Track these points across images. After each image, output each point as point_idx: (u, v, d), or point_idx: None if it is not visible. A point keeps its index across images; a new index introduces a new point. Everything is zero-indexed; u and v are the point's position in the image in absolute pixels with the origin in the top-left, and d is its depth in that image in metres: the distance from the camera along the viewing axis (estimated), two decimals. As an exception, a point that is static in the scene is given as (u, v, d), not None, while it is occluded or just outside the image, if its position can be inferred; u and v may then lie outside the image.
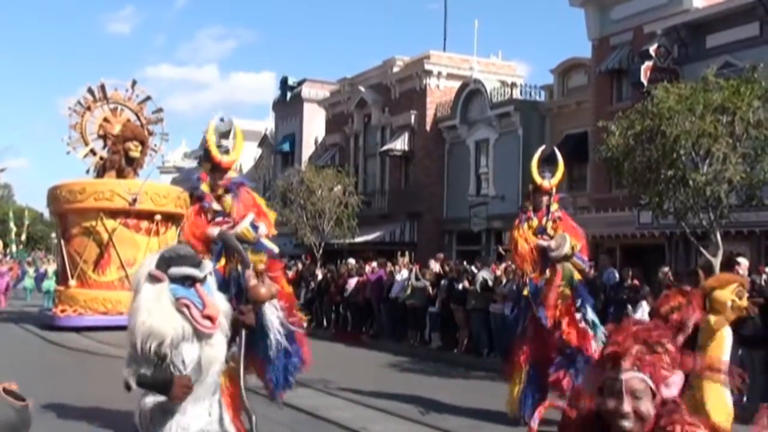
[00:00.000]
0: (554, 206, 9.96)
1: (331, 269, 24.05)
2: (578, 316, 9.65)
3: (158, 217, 21.43)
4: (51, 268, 30.86)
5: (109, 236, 21.17)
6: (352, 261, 23.26)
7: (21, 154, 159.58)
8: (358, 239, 31.62)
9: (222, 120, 57.18)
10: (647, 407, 2.23)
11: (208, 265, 4.11)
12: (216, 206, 7.48)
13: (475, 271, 17.92)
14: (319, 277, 23.61)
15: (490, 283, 16.90)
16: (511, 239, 10.09)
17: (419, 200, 32.94)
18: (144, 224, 21.48)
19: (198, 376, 3.94)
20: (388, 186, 35.69)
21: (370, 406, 11.14)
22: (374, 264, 21.96)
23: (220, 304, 4.08)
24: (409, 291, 19.18)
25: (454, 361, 16.68)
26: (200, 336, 3.90)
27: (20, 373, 13.37)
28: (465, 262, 19.25)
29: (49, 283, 28.02)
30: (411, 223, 33.59)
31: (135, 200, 20.73)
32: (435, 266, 19.65)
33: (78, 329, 19.72)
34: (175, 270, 3.92)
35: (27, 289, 34.52)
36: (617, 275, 15.72)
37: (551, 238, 9.69)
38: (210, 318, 3.89)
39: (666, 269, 15.42)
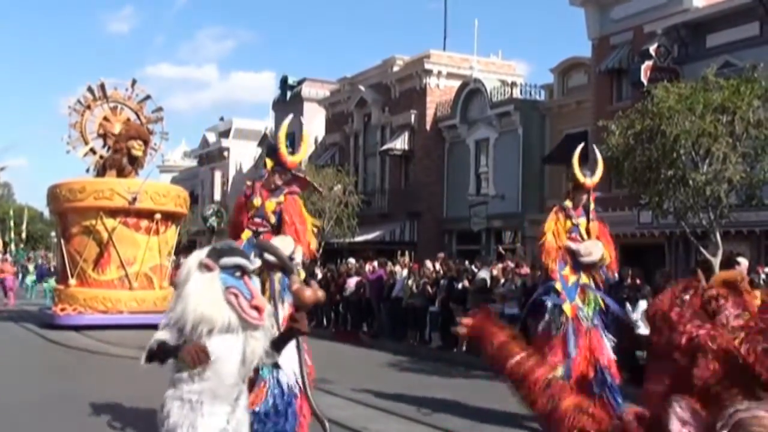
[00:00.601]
0: (592, 205, 9.62)
1: (330, 268, 24.04)
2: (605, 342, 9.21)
3: (158, 216, 21.44)
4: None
5: (109, 235, 21.17)
6: (352, 260, 23.26)
7: (21, 153, 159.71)
8: (358, 239, 31.64)
9: (221, 119, 57.29)
10: None
11: (257, 260, 4.18)
12: (257, 201, 7.44)
13: (475, 270, 17.94)
14: (319, 276, 23.61)
15: (488, 283, 16.91)
16: (541, 231, 9.54)
17: (419, 200, 32.95)
18: (144, 223, 21.48)
19: (240, 369, 3.99)
20: (388, 185, 35.70)
21: (370, 405, 11.13)
22: (374, 264, 21.95)
23: (266, 304, 4.12)
24: (408, 291, 19.20)
25: (454, 361, 16.67)
26: (245, 326, 3.93)
27: (20, 372, 13.40)
28: (467, 262, 19.22)
29: (50, 282, 28.03)
30: (411, 222, 33.61)
31: (135, 199, 20.74)
32: (432, 266, 19.61)
33: (78, 328, 19.72)
34: (227, 260, 3.97)
35: (29, 287, 34.54)
36: (617, 274, 15.70)
37: (583, 240, 9.32)
38: (257, 309, 3.92)
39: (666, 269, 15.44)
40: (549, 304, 9.20)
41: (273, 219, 7.45)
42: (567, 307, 9.02)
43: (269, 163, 7.68)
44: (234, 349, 3.96)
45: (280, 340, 4.22)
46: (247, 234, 7.39)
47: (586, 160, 25.80)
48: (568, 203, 9.53)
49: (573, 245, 9.21)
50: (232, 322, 3.89)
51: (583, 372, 8.85)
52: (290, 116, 8.49)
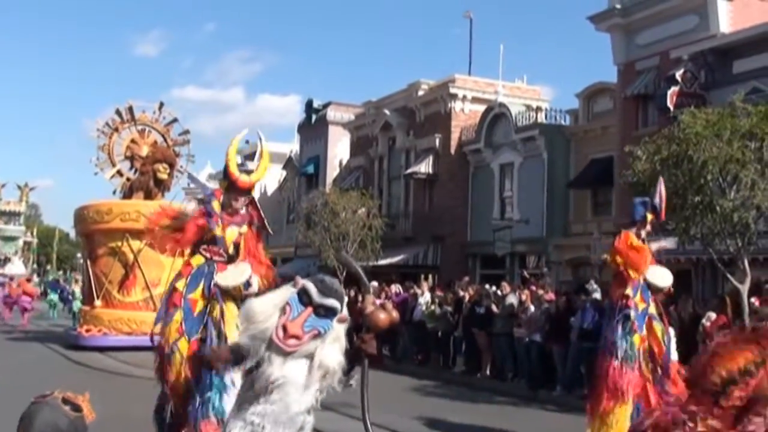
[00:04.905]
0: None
1: (353, 291, 23.99)
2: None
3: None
4: (77, 288, 31.12)
5: (135, 257, 21.28)
6: (374, 284, 23.20)
7: (48, 175, 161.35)
8: (382, 262, 31.57)
9: (247, 142, 57.59)
10: None
11: (332, 301, 4.00)
12: (218, 231, 6.99)
13: (500, 293, 17.85)
14: (343, 299, 23.56)
15: (515, 308, 16.82)
16: (630, 246, 8.92)
17: (443, 223, 32.87)
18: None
19: (303, 395, 3.92)
20: (412, 209, 35.66)
21: (393, 429, 11.06)
22: (396, 286, 21.86)
23: (327, 359, 3.96)
24: (429, 315, 19.14)
25: (478, 386, 16.56)
26: (270, 344, 3.88)
27: (43, 393, 13.46)
28: (493, 287, 19.12)
29: (76, 304, 28.24)
30: (435, 246, 33.52)
31: (161, 221, 20.82)
32: (458, 290, 19.54)
33: (102, 349, 19.81)
34: (304, 281, 3.99)
35: (53, 307, 34.72)
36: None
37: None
38: (284, 328, 3.85)
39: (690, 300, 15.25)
40: (619, 336, 8.71)
41: (231, 250, 7.08)
42: (637, 339, 8.71)
43: (223, 183, 7.20)
44: (303, 377, 3.91)
45: (347, 365, 4.11)
46: (198, 260, 7.09)
47: (611, 184, 25.60)
48: (643, 233, 9.21)
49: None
50: (268, 332, 3.88)
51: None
52: (244, 131, 7.67)
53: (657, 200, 9.35)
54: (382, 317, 4.17)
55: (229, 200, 7.01)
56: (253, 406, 3.88)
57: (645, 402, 8.44)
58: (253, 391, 3.90)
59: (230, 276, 6.92)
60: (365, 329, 4.20)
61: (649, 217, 9.22)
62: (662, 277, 9.00)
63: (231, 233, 7.02)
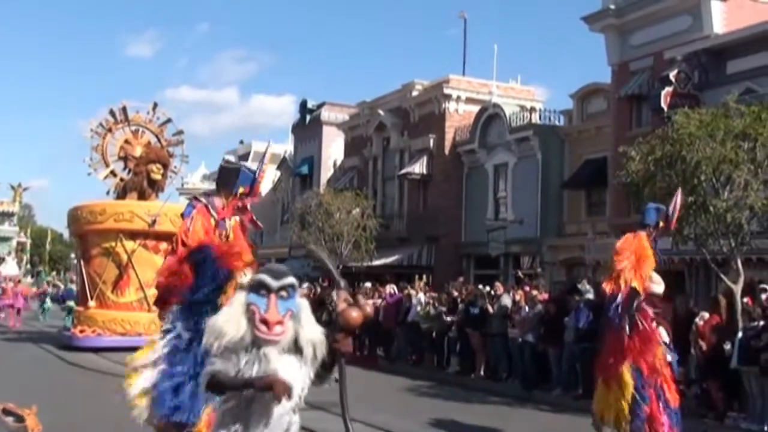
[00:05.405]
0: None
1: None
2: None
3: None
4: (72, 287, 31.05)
5: (129, 257, 21.27)
6: (368, 284, 23.20)
7: (42, 175, 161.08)
8: (376, 262, 31.58)
9: (241, 142, 57.56)
10: None
11: (289, 279, 4.02)
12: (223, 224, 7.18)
13: (494, 293, 17.87)
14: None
15: (509, 309, 16.85)
16: (642, 248, 8.72)
17: (437, 224, 32.89)
18: (163, 245, 21.43)
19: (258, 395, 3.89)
20: (406, 209, 35.67)
21: (387, 430, 11.07)
22: (391, 287, 21.86)
23: (311, 333, 3.99)
24: (423, 315, 19.15)
25: (472, 386, 16.58)
26: (260, 343, 3.87)
27: (37, 393, 13.41)
28: (487, 287, 19.13)
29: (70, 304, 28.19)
30: (429, 246, 33.53)
31: (154, 221, 20.83)
32: (451, 291, 19.55)
33: (96, 350, 19.78)
34: (254, 278, 4.02)
35: (46, 310, 34.60)
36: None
37: None
38: (265, 322, 3.85)
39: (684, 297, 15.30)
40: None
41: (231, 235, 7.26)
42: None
43: (241, 189, 7.36)
44: (291, 372, 3.89)
45: (323, 365, 4.10)
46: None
47: (605, 185, 25.62)
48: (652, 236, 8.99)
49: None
50: (245, 338, 3.86)
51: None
52: (269, 141, 8.07)
53: (671, 210, 9.29)
54: (354, 315, 4.07)
55: (235, 203, 7.32)
56: (236, 415, 3.88)
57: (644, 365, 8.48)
58: (238, 400, 3.88)
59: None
60: (338, 328, 4.14)
61: (660, 224, 9.15)
62: (658, 284, 8.99)
63: (229, 225, 7.25)
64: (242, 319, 3.89)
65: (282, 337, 3.91)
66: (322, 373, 4.09)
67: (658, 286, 9.00)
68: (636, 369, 8.44)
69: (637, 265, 8.59)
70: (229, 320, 3.89)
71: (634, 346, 8.48)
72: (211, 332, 3.90)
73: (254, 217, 7.77)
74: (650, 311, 8.73)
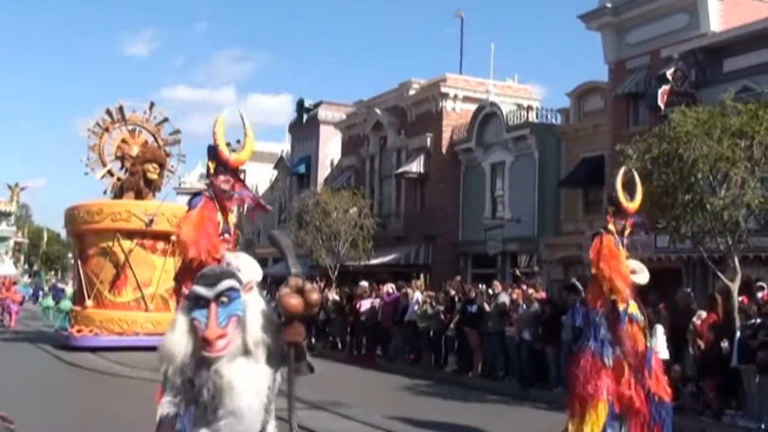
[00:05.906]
0: (627, 230, 8.98)
1: (344, 291, 24.01)
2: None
3: (174, 237, 21.42)
4: (68, 288, 31.01)
5: (126, 257, 21.26)
6: (364, 283, 23.18)
7: (38, 175, 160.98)
8: (374, 261, 31.58)
9: (238, 142, 57.51)
10: None
11: (225, 283, 3.72)
12: (221, 219, 6.77)
13: (491, 292, 17.86)
14: (333, 299, 23.54)
15: (507, 307, 16.84)
16: (607, 256, 8.57)
17: (435, 223, 32.90)
18: (160, 245, 21.54)
19: (254, 398, 3.69)
20: (403, 208, 35.68)
21: (385, 429, 11.07)
22: (389, 286, 21.85)
23: (255, 334, 3.73)
24: (421, 314, 19.14)
25: (470, 385, 16.59)
26: (209, 361, 3.65)
27: (36, 393, 13.41)
28: (485, 286, 19.13)
29: (66, 303, 28.13)
30: (426, 245, 33.54)
31: (151, 221, 20.81)
32: (449, 290, 19.54)
33: (94, 349, 19.77)
34: (193, 289, 3.73)
35: (48, 309, 34.52)
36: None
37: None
38: (205, 340, 3.61)
39: (688, 290, 15.32)
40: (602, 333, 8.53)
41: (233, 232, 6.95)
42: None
43: (211, 165, 6.90)
44: (248, 376, 3.69)
45: (284, 358, 3.80)
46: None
47: (602, 183, 25.60)
48: (612, 227, 8.86)
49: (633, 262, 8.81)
50: (195, 353, 3.65)
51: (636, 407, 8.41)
52: (226, 109, 7.36)
53: (614, 192, 9.05)
54: (294, 302, 3.68)
55: (218, 183, 6.76)
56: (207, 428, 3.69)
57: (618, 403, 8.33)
58: (207, 416, 3.68)
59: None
60: (283, 317, 3.80)
61: (611, 209, 8.99)
62: (641, 276, 8.81)
63: (231, 218, 6.95)
64: (188, 337, 3.69)
65: (226, 351, 3.66)
66: (297, 366, 3.78)
67: (642, 276, 8.82)
68: (611, 404, 8.27)
69: (616, 270, 8.47)
70: (176, 342, 3.68)
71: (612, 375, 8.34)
72: (163, 357, 3.69)
73: (259, 199, 7.54)
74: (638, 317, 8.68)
